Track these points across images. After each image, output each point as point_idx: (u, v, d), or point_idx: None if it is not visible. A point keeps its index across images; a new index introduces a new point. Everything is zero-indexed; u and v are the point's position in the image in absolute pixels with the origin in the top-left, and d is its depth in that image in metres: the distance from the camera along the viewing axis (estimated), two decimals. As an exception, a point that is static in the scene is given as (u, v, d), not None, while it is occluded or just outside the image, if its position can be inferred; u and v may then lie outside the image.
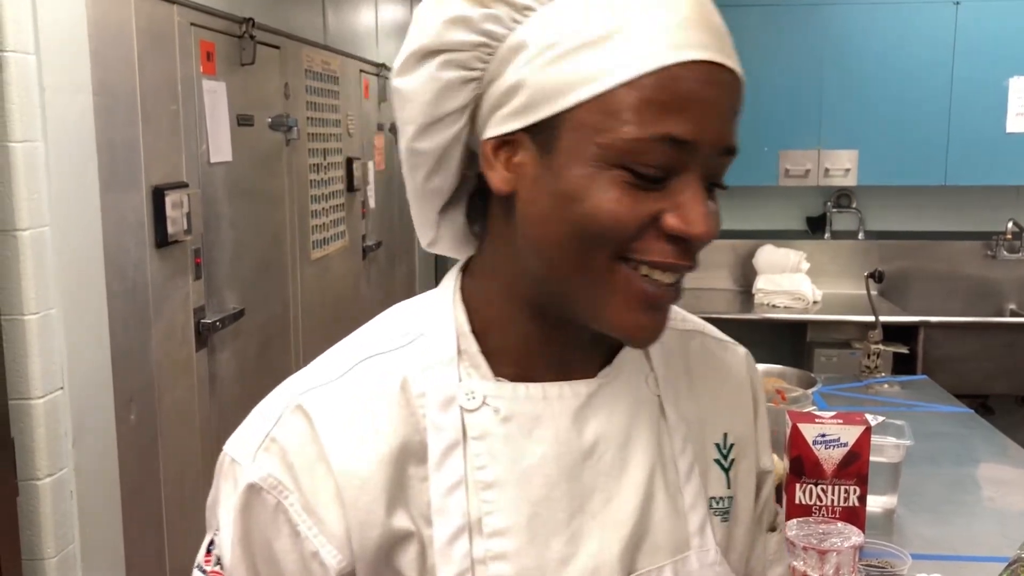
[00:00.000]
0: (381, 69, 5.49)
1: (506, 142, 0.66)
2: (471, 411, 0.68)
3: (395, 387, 0.69)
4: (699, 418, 0.77)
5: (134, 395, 2.59)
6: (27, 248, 2.10)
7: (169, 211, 2.72)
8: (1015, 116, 3.75)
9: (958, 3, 3.71)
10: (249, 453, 0.67)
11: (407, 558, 0.66)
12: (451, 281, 0.74)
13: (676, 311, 0.81)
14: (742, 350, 0.84)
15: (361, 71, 5.11)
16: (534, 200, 0.65)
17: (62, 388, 2.22)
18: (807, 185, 3.92)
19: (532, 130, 0.64)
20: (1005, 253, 4.10)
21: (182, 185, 2.83)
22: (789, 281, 3.89)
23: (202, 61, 3.04)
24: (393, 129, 5.88)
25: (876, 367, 2.86)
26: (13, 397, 2.14)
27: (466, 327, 0.70)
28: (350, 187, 4.83)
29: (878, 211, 4.17)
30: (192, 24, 2.96)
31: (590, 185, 0.62)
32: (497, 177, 0.66)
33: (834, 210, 4.18)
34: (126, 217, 2.54)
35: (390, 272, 5.91)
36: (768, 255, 4.02)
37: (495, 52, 0.65)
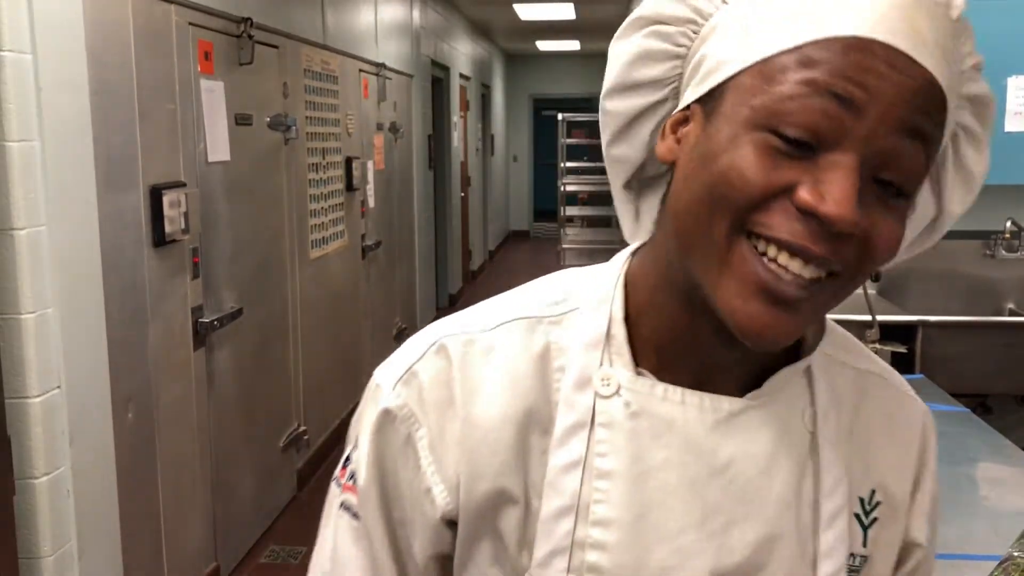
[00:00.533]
0: (380, 69, 5.49)
1: (685, 116, 0.65)
2: (604, 397, 0.67)
3: (536, 355, 0.69)
4: (851, 467, 0.70)
5: (132, 394, 2.59)
6: (24, 247, 2.10)
7: (167, 210, 2.72)
8: (1013, 115, 3.75)
9: (956, 2, 3.72)
10: (391, 381, 0.69)
11: (509, 522, 0.67)
12: (620, 260, 0.72)
13: (862, 350, 0.77)
14: (922, 407, 0.78)
15: (360, 71, 5.11)
16: (685, 165, 0.63)
17: (59, 387, 2.23)
18: (805, 184, 3.92)
19: (703, 100, 0.63)
20: (1004, 252, 4.09)
21: (180, 184, 2.83)
22: (788, 280, 3.90)
23: (200, 60, 3.04)
24: (393, 128, 5.89)
25: (873, 366, 2.86)
26: (10, 396, 2.14)
27: (620, 313, 0.69)
28: (349, 186, 4.83)
29: (877, 210, 4.18)
30: (190, 23, 2.97)
31: (730, 145, 0.58)
32: (663, 147, 0.66)
33: (833, 209, 4.18)
34: (123, 216, 2.54)
35: (390, 272, 5.91)
36: (767, 254, 4.02)
37: (699, 31, 0.65)
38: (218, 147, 3.17)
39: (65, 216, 2.24)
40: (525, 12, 8.86)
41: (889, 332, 3.48)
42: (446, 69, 8.19)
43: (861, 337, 2.93)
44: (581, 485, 0.66)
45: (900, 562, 0.75)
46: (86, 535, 2.33)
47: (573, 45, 12.18)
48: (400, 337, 5.79)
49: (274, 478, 3.84)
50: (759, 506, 0.66)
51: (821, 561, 0.67)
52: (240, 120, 3.39)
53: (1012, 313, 4.10)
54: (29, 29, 2.10)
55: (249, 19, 3.32)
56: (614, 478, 0.66)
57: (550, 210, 11.80)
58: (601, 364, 0.68)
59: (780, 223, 0.57)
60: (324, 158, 4.46)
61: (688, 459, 0.66)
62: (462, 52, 9.13)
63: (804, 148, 0.57)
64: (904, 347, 3.63)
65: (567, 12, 8.82)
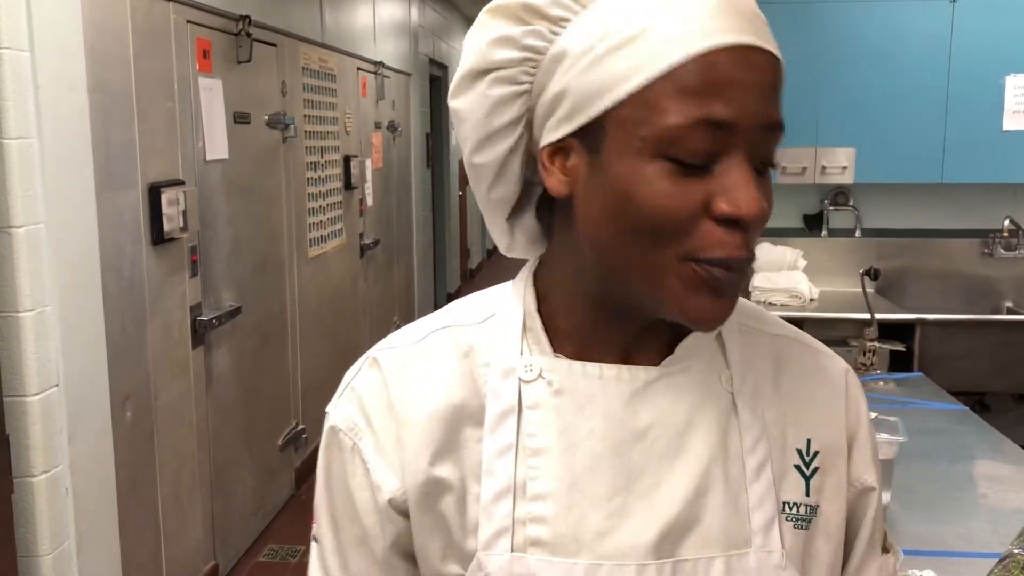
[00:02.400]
0: (379, 67, 5.48)
1: (560, 148, 0.69)
2: (528, 382, 0.72)
3: (462, 354, 0.75)
4: (780, 421, 0.76)
5: (130, 392, 2.59)
6: (22, 245, 2.10)
7: (165, 208, 2.72)
8: (1011, 114, 3.75)
9: (955, 1, 3.71)
10: (334, 403, 0.77)
11: (449, 508, 0.72)
12: (526, 271, 0.78)
13: (773, 319, 0.82)
14: (841, 363, 0.82)
15: (359, 69, 5.11)
16: (589, 199, 0.67)
17: (57, 385, 2.22)
18: (804, 183, 3.92)
19: (580, 133, 0.67)
20: (1002, 251, 4.09)
21: (178, 183, 2.83)
22: (786, 279, 3.89)
23: (198, 59, 3.03)
24: (391, 127, 5.89)
25: (872, 364, 2.86)
26: (8, 394, 2.14)
27: (533, 307, 0.75)
28: (348, 185, 4.83)
29: (875, 209, 4.17)
30: (188, 22, 2.96)
31: (636, 178, 0.64)
32: (554, 181, 0.69)
33: (831, 208, 4.18)
34: (122, 214, 2.54)
35: (388, 270, 5.91)
36: (765, 253, 4.01)
37: (539, 64, 0.69)
38: (216, 145, 3.17)
39: (63, 214, 2.23)
40: (523, 11, 8.84)
41: (888, 330, 3.48)
42: (444, 67, 8.19)
43: (860, 335, 2.94)
44: (516, 466, 0.71)
45: (861, 510, 0.79)
46: (85, 533, 2.33)
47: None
48: (398, 336, 5.77)
49: (273, 476, 3.84)
50: (683, 464, 0.71)
51: (753, 512, 0.72)
52: (238, 118, 3.39)
53: (1010, 311, 4.10)
54: (27, 27, 2.09)
55: (247, 17, 3.32)
56: (545, 454, 0.71)
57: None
58: (522, 353, 0.74)
59: (710, 242, 0.64)
60: (322, 156, 4.45)
61: (611, 427, 0.71)
62: (460, 50, 9.12)
63: (702, 167, 0.64)
64: (902, 345, 3.63)
65: (565, 11, 8.81)
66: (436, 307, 9.19)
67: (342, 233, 4.80)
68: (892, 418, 1.83)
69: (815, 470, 0.76)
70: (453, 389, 0.73)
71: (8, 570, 2.18)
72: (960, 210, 4.12)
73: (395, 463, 0.73)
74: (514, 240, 0.81)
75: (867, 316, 2.88)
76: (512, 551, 0.69)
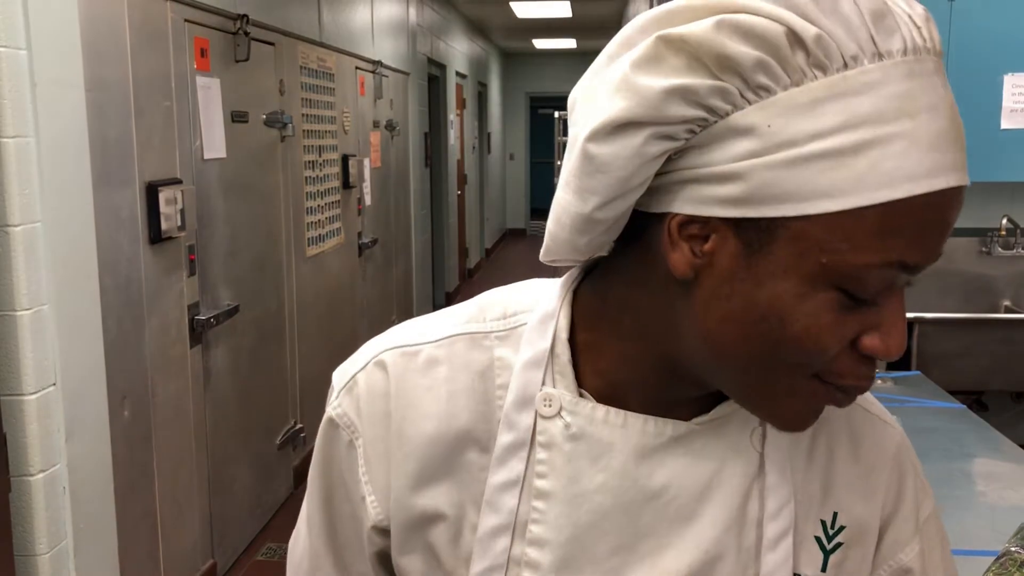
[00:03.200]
0: (377, 66, 5.48)
1: (696, 221, 0.58)
2: (545, 418, 0.66)
3: (477, 372, 0.68)
4: (808, 487, 0.69)
5: (128, 391, 2.59)
6: (19, 243, 2.10)
7: (163, 207, 2.72)
8: (1009, 113, 3.75)
9: (952, 0, 3.71)
10: (337, 388, 0.72)
11: (440, 537, 0.68)
12: (565, 286, 0.69)
13: None
14: (898, 432, 0.75)
15: (357, 68, 5.11)
16: (722, 295, 0.58)
17: (55, 384, 2.22)
18: (802, 182, 3.93)
19: (739, 223, 0.56)
20: (1000, 249, 4.10)
21: (176, 181, 2.83)
22: (784, 278, 3.90)
23: (196, 57, 3.03)
24: (389, 126, 5.89)
25: (870, 363, 2.86)
26: (5, 393, 2.14)
27: (564, 333, 0.67)
28: (346, 184, 4.82)
29: (873, 208, 4.19)
30: (186, 20, 2.96)
31: (800, 305, 0.56)
32: (681, 260, 0.59)
33: (829, 207, 4.18)
34: (119, 213, 2.54)
35: (387, 269, 5.90)
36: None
37: (711, 126, 0.56)
38: (214, 144, 3.17)
39: (61, 212, 2.23)
40: (522, 10, 8.85)
41: (885, 329, 3.49)
42: (443, 67, 8.18)
43: (857, 334, 2.94)
44: (519, 504, 0.66)
45: None
46: (82, 532, 2.33)
47: (569, 43, 12.18)
48: (397, 335, 5.77)
49: (271, 475, 3.84)
50: (698, 529, 0.66)
51: None
52: (236, 117, 3.38)
53: (1008, 310, 4.10)
54: (24, 25, 2.09)
55: (245, 16, 3.32)
56: (551, 499, 0.66)
57: (547, 208, 11.74)
58: (543, 384, 0.67)
59: (847, 370, 0.58)
60: (320, 155, 4.45)
61: (624, 484, 0.65)
62: (459, 50, 9.12)
63: (868, 302, 0.57)
64: (900, 344, 3.63)
65: (564, 10, 8.82)
66: (434, 306, 9.15)
67: (340, 232, 4.80)
68: (890, 417, 1.83)
69: (837, 545, 0.69)
70: (462, 412, 0.68)
71: (5, 569, 2.18)
72: (958, 209, 4.12)
73: (383, 480, 0.69)
74: (560, 264, 0.72)
75: (865, 315, 2.88)
76: None
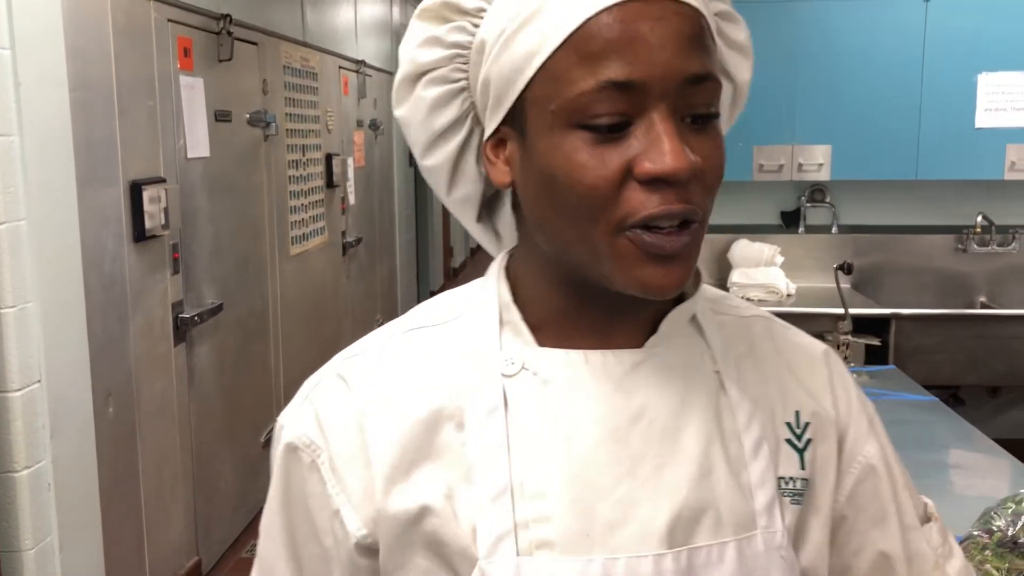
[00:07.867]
0: (361, 66, 5.49)
1: (500, 140, 0.68)
2: (510, 376, 0.68)
3: (435, 355, 0.71)
4: (767, 397, 0.73)
5: (112, 388, 2.60)
6: (3, 242, 2.11)
7: (147, 206, 2.73)
8: (984, 112, 3.81)
9: (928, 0, 3.77)
10: (290, 416, 0.72)
11: (437, 525, 0.66)
12: (496, 266, 0.75)
13: (741, 302, 0.80)
14: (819, 343, 0.80)
15: (340, 67, 5.12)
16: (526, 184, 0.67)
17: (39, 381, 2.24)
18: (781, 180, 3.97)
19: (509, 120, 0.66)
20: (975, 247, 4.15)
21: (159, 180, 2.84)
22: (763, 275, 3.93)
23: (179, 57, 3.05)
24: (373, 125, 5.91)
25: (846, 358, 2.91)
26: (-10, 390, 2.15)
27: (508, 298, 0.72)
28: (329, 183, 4.84)
29: (851, 205, 4.23)
30: (169, 20, 2.98)
31: (556, 153, 0.62)
32: (496, 172, 0.69)
33: (808, 204, 4.23)
34: (103, 211, 2.55)
35: (371, 268, 5.92)
36: (743, 249, 4.06)
37: (468, 59, 0.69)
38: (198, 143, 3.18)
39: (45, 211, 2.25)
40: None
41: (862, 325, 3.53)
42: (426, 66, 8.19)
43: (834, 330, 2.98)
44: (510, 465, 0.66)
45: (870, 484, 0.75)
46: (67, 528, 2.34)
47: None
48: (381, 333, 5.78)
49: (255, 473, 3.85)
50: (684, 445, 0.68)
51: (755, 491, 0.69)
52: (220, 116, 3.40)
53: (983, 306, 4.16)
54: (8, 24, 2.10)
55: (228, 16, 3.33)
56: (539, 448, 0.66)
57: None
58: (501, 347, 0.70)
59: (638, 204, 0.62)
60: (304, 155, 4.47)
61: (606, 412, 0.67)
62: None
63: (616, 130, 0.62)
64: (878, 340, 3.68)
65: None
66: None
67: (324, 231, 4.81)
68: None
69: (808, 442, 0.73)
70: (426, 395, 0.69)
71: (-9, 565, 2.19)
72: (934, 206, 4.18)
73: (358, 486, 0.68)
74: (502, 240, 0.79)
75: (841, 311, 2.93)
76: (518, 555, 0.64)
